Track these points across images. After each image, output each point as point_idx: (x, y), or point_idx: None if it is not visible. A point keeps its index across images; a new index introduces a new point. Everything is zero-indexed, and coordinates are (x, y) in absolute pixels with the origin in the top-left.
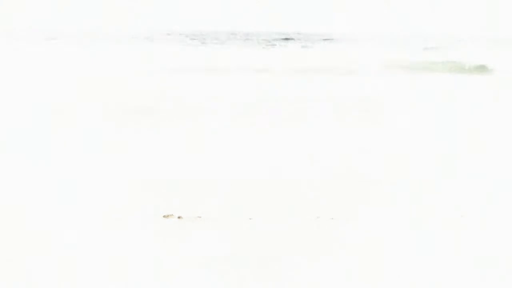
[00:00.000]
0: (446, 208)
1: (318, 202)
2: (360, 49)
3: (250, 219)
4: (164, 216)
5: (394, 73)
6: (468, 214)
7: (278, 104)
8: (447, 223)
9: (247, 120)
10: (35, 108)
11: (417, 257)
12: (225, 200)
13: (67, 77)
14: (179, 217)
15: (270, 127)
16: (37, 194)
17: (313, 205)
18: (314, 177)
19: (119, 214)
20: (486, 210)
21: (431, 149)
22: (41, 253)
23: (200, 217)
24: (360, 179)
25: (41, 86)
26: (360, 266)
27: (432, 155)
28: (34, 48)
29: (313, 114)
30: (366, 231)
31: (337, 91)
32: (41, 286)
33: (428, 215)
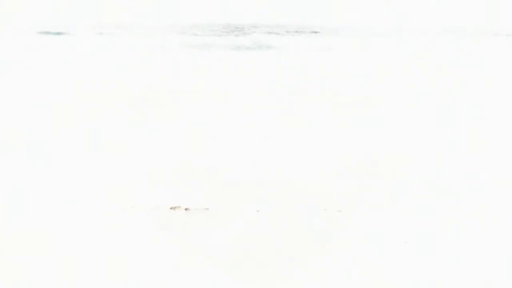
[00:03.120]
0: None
1: (324, 196)
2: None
3: (257, 211)
4: (171, 208)
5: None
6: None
7: (280, 102)
8: (447, 220)
9: (254, 114)
10: (35, 105)
11: (418, 251)
12: (232, 192)
13: (67, 74)
14: (186, 209)
15: (275, 123)
16: (42, 183)
17: (320, 199)
18: (319, 172)
19: (126, 206)
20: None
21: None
22: (45, 245)
23: (207, 209)
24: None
25: (40, 84)
26: (365, 258)
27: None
28: (34, 46)
29: (316, 112)
30: (369, 224)
31: (338, 89)
32: (43, 283)
33: (427, 213)
